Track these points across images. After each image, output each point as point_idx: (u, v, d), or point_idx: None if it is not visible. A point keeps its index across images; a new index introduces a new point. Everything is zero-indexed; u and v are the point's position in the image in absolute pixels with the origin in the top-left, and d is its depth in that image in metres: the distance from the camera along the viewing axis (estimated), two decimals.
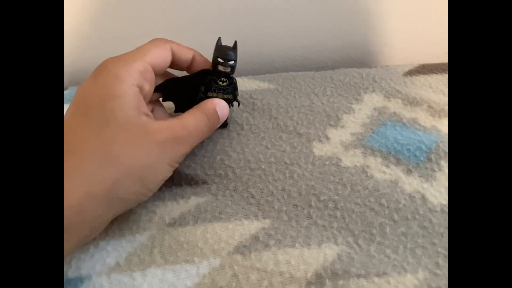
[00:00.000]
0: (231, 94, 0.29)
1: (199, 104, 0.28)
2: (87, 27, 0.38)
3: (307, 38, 0.41)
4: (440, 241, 0.23)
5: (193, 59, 0.29)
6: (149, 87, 0.26)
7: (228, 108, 0.29)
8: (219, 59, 0.28)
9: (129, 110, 0.23)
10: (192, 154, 0.28)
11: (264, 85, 0.35)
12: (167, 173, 0.24)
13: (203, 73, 0.29)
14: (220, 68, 0.28)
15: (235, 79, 0.29)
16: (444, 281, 0.21)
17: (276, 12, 0.39)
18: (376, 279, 0.21)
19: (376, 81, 0.35)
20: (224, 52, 0.28)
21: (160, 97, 0.29)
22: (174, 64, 0.28)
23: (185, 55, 0.28)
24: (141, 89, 0.25)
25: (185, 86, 0.29)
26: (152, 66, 0.26)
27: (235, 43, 0.29)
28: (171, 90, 0.29)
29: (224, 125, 0.31)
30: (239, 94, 0.30)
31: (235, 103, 0.30)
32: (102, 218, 0.22)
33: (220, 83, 0.29)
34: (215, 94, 0.29)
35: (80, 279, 0.21)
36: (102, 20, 0.38)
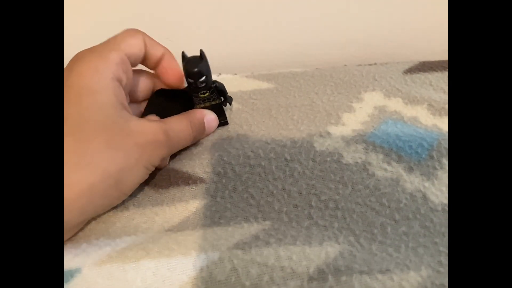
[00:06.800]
0: (217, 99, 0.29)
1: (188, 111, 0.27)
2: (87, 21, 0.38)
3: (307, 34, 0.41)
4: (442, 240, 0.23)
5: (162, 57, 0.27)
6: (126, 80, 0.25)
7: (217, 121, 0.29)
8: (189, 80, 0.26)
9: (108, 107, 0.22)
10: (189, 152, 0.28)
11: (264, 85, 0.35)
12: (143, 176, 0.23)
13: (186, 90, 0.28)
14: (195, 85, 0.27)
15: (216, 82, 0.28)
16: (447, 279, 0.20)
17: (275, 9, 0.39)
18: (379, 276, 0.20)
19: (376, 80, 0.35)
20: (191, 72, 0.26)
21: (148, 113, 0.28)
22: (143, 59, 0.27)
23: (156, 51, 0.27)
24: (120, 82, 0.24)
25: (174, 99, 0.28)
26: (128, 56, 0.24)
27: (201, 52, 0.27)
28: (159, 101, 0.28)
29: (225, 123, 0.30)
30: (234, 96, 0.30)
31: (230, 102, 0.30)
32: (69, 225, 0.21)
33: (202, 95, 0.28)
34: (202, 105, 0.29)
35: (71, 273, 0.20)
36: (103, 13, 0.38)
